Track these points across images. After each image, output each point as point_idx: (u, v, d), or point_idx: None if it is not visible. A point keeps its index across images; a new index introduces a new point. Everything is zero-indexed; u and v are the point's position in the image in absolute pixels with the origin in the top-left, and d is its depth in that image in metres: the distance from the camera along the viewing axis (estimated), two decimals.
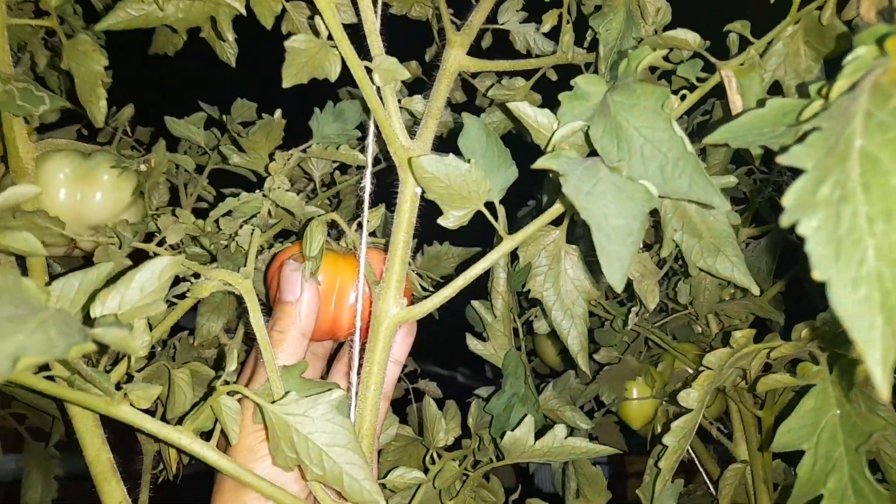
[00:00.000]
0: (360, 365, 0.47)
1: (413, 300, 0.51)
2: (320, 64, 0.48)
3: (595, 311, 0.74)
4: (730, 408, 0.76)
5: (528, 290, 0.53)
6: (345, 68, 0.47)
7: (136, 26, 0.52)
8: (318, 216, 0.49)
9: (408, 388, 0.74)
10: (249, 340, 0.63)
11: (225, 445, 0.44)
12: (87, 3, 0.62)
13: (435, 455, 0.58)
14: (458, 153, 0.46)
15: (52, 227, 0.46)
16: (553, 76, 0.69)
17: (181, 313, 0.51)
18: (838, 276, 0.20)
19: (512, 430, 0.52)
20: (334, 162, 0.64)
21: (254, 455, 0.44)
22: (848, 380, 0.45)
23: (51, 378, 0.39)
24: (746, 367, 0.54)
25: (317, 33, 0.47)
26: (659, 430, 0.72)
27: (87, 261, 0.58)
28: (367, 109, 0.56)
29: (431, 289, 0.58)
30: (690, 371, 0.73)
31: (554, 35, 0.66)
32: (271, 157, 0.56)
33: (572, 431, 0.66)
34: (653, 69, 0.67)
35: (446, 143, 0.53)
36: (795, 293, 0.78)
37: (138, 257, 0.46)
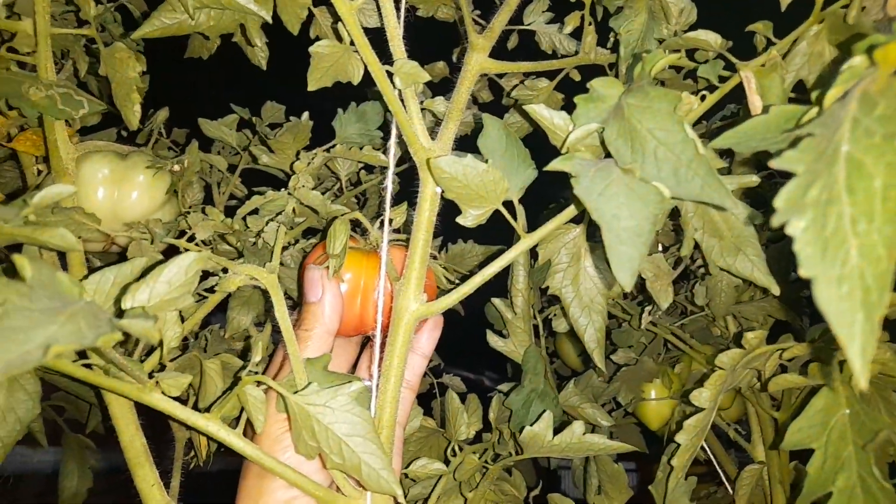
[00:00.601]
0: (381, 358, 0.49)
1: (439, 293, 0.52)
2: (343, 68, 0.50)
3: (613, 311, 0.75)
4: (748, 409, 0.76)
5: (548, 287, 0.54)
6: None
7: (171, 34, 0.55)
8: (342, 215, 0.50)
9: (433, 382, 0.75)
10: (278, 334, 0.65)
11: (252, 434, 0.46)
12: (127, 11, 0.65)
13: (456, 447, 0.59)
14: (480, 153, 0.47)
15: (88, 224, 0.49)
16: (577, 77, 0.70)
17: (211, 306, 0.54)
18: (823, 273, 0.21)
19: (531, 426, 0.53)
20: (360, 162, 0.65)
21: (278, 444, 0.46)
22: (854, 383, 0.45)
23: (88, 366, 0.42)
24: (760, 368, 0.54)
25: (340, 38, 0.49)
26: (674, 429, 0.72)
27: (123, 256, 0.60)
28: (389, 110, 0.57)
29: (458, 281, 0.59)
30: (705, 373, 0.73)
31: (579, 35, 0.66)
32: (298, 156, 0.58)
33: (593, 429, 0.67)
34: (678, 68, 0.67)
35: (471, 143, 0.54)
36: None
37: (173, 253, 0.48)
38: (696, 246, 0.52)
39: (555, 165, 0.40)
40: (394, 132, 0.53)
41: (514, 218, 0.47)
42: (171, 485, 0.54)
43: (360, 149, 0.57)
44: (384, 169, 0.70)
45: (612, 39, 0.65)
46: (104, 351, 0.37)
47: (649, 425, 0.79)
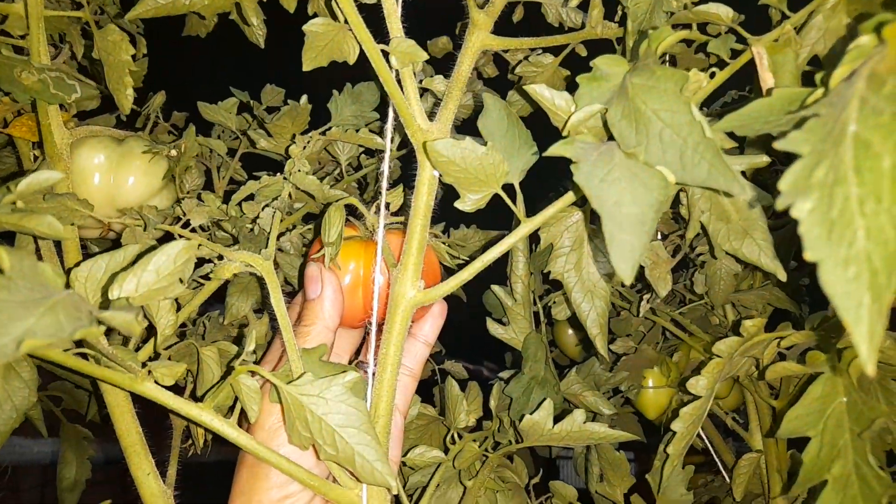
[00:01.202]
0: (378, 347, 0.48)
1: (445, 273, 0.51)
2: (339, 47, 0.48)
3: (612, 299, 0.73)
4: (745, 398, 0.75)
5: (549, 273, 0.53)
6: None
7: (165, 14, 0.53)
8: (336, 201, 0.49)
9: (434, 368, 0.75)
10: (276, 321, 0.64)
11: (247, 425, 0.46)
12: None
13: (456, 435, 0.59)
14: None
15: (81, 210, 0.48)
16: (583, 52, 0.67)
17: (207, 294, 0.53)
18: (830, 256, 0.20)
19: (531, 413, 0.52)
20: (360, 145, 0.64)
21: (274, 435, 0.45)
22: (855, 368, 0.44)
23: (84, 356, 0.41)
24: (758, 356, 0.53)
25: (335, 16, 0.47)
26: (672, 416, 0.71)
27: (119, 243, 0.60)
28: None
29: (466, 258, 0.58)
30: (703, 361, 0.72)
31: (586, 7, 0.64)
32: (294, 140, 0.57)
33: (594, 417, 0.66)
34: (689, 41, 0.65)
35: (474, 124, 0.52)
36: (818, 286, 0.75)
37: (169, 240, 0.48)
38: (697, 233, 0.51)
39: (555, 150, 0.38)
40: (391, 114, 0.52)
41: (515, 202, 0.46)
42: (168, 474, 0.53)
43: (357, 131, 0.56)
44: (383, 153, 0.68)
45: (619, 13, 0.63)
46: (91, 342, 0.37)
47: (647, 414, 0.78)
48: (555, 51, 0.66)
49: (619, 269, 0.32)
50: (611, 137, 0.40)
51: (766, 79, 0.44)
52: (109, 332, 0.36)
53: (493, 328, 0.63)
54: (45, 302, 0.29)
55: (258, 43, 0.62)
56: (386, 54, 0.46)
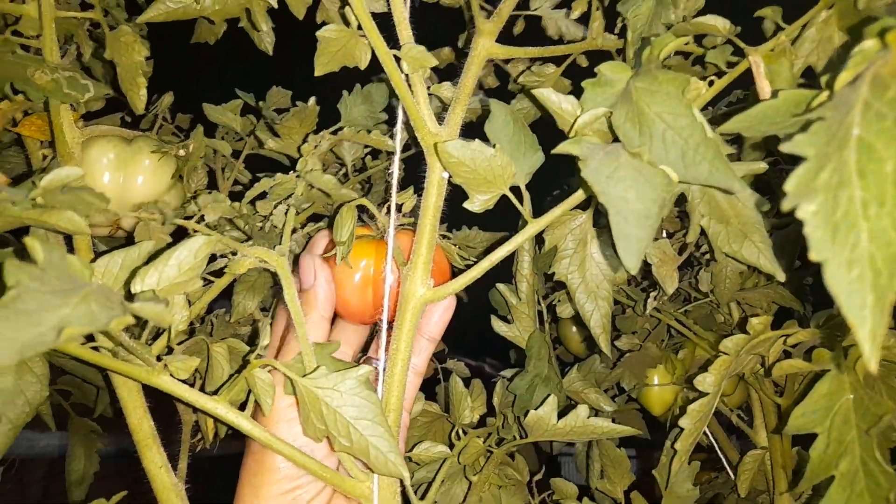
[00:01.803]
0: (388, 342, 0.49)
1: (454, 272, 0.53)
2: (351, 53, 0.49)
3: (617, 297, 0.75)
4: (750, 396, 0.76)
5: (553, 273, 0.54)
6: (376, 56, 0.48)
7: (176, 18, 0.55)
8: (349, 201, 0.50)
9: (437, 367, 0.76)
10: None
11: (259, 418, 0.47)
12: None
13: (460, 431, 0.60)
14: (487, 139, 0.47)
15: (97, 203, 0.49)
16: (584, 62, 0.69)
17: (219, 290, 0.54)
18: (834, 257, 0.21)
19: (534, 410, 0.53)
20: (366, 147, 0.65)
21: (284, 425, 0.46)
22: (861, 366, 0.45)
23: (97, 349, 0.42)
24: (764, 353, 0.54)
25: (347, 23, 0.49)
26: (677, 413, 0.72)
27: (129, 241, 0.60)
28: (396, 94, 0.57)
29: (474, 259, 0.59)
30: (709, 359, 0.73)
31: (586, 21, 0.66)
32: (304, 141, 0.58)
33: (596, 414, 0.67)
34: (686, 54, 0.67)
35: (477, 129, 0.54)
36: (822, 285, 0.77)
37: (180, 237, 0.49)
38: (702, 232, 0.52)
39: (563, 148, 0.40)
40: (400, 116, 0.53)
41: (521, 203, 0.47)
42: (179, 467, 0.54)
43: (368, 133, 0.57)
44: (390, 154, 0.70)
45: (619, 25, 0.64)
46: (114, 334, 0.38)
47: (652, 411, 0.79)
48: (556, 62, 0.68)
49: (626, 260, 0.33)
50: (615, 140, 0.41)
51: (764, 87, 0.46)
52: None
53: (498, 326, 0.64)
54: (77, 292, 0.30)
55: (266, 50, 0.63)
56: (397, 60, 0.47)
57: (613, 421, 0.55)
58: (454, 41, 0.80)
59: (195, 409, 0.59)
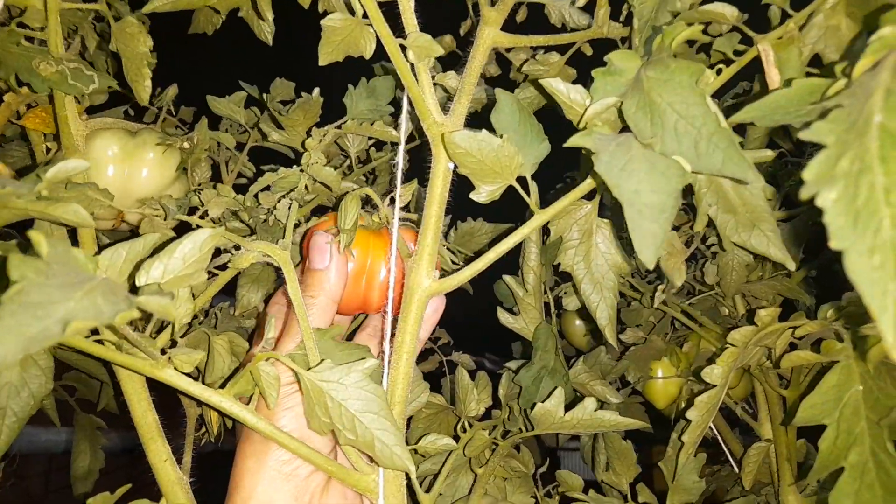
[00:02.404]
0: (392, 335, 0.49)
1: (443, 275, 0.52)
2: (355, 42, 0.49)
3: (622, 289, 0.74)
4: (755, 388, 0.76)
5: (559, 265, 0.54)
6: (379, 45, 0.48)
7: (181, 7, 0.54)
8: (353, 191, 0.50)
9: (441, 360, 0.75)
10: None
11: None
12: None
13: (466, 424, 0.60)
14: (491, 128, 0.46)
15: (101, 199, 0.49)
16: (588, 51, 0.68)
17: (222, 284, 0.53)
18: (855, 244, 0.21)
19: (541, 403, 0.53)
20: (370, 139, 0.65)
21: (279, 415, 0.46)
22: (872, 356, 0.45)
23: (101, 342, 0.42)
24: (771, 345, 0.54)
25: (352, 11, 0.48)
26: (683, 406, 0.72)
27: (133, 234, 0.60)
28: (400, 85, 0.56)
29: (462, 263, 0.59)
30: (716, 351, 0.72)
31: (590, 9, 0.65)
32: (308, 133, 0.58)
33: (602, 406, 0.67)
34: (691, 42, 0.66)
35: (481, 119, 0.53)
36: (826, 277, 0.77)
37: (182, 232, 0.48)
38: (708, 223, 0.52)
39: (575, 141, 0.39)
40: (405, 107, 0.52)
41: (528, 193, 0.47)
42: (183, 461, 0.54)
43: (372, 124, 0.57)
44: (394, 146, 0.69)
45: (624, 12, 0.64)
46: (119, 327, 0.37)
47: (656, 404, 0.79)
48: (560, 50, 0.67)
49: (643, 256, 0.33)
50: (625, 130, 0.41)
51: (773, 75, 0.45)
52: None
53: (504, 318, 0.63)
54: (82, 286, 0.30)
55: (266, 40, 0.63)
56: (403, 49, 0.46)
57: (620, 414, 0.55)
58: (455, 29, 0.79)
59: (199, 403, 0.59)
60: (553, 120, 0.51)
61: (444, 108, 0.51)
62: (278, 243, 0.47)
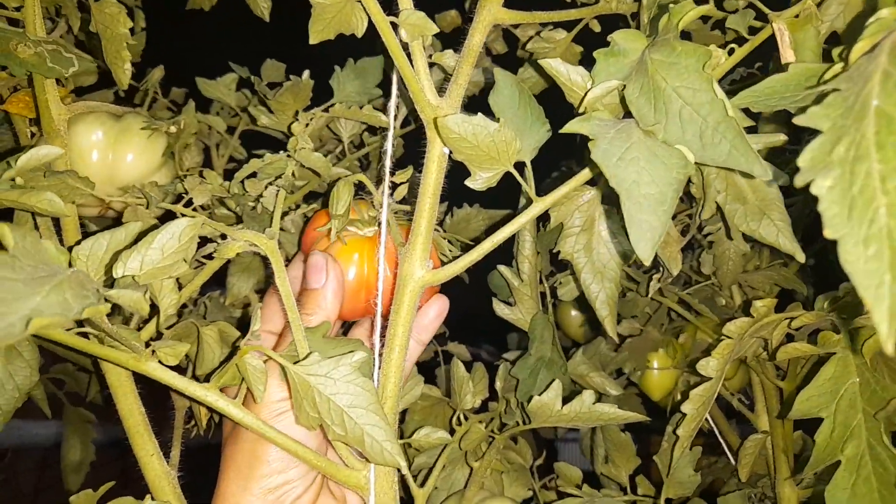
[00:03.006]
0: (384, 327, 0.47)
1: (441, 264, 0.50)
2: (347, 19, 0.47)
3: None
4: (752, 379, 0.75)
5: (558, 253, 0.52)
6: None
7: None
8: (345, 177, 0.48)
9: (437, 350, 0.74)
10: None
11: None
12: None
13: (462, 417, 0.58)
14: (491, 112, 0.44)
15: (81, 188, 0.47)
16: (597, 27, 0.66)
17: (209, 274, 0.52)
18: (850, 233, 0.20)
19: (538, 395, 0.51)
20: (363, 123, 0.63)
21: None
22: (868, 348, 0.44)
23: (85, 335, 0.40)
24: (768, 337, 0.52)
25: None
26: (679, 398, 0.71)
27: (119, 221, 0.58)
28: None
29: (460, 252, 0.57)
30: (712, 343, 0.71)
31: None
32: (297, 117, 0.56)
33: (601, 397, 0.66)
34: (706, 18, 0.63)
35: (484, 101, 0.51)
36: (822, 267, 0.75)
37: (170, 219, 0.47)
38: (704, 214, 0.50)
39: (571, 128, 0.37)
40: (394, 91, 0.50)
41: (526, 181, 0.45)
42: (172, 455, 0.53)
43: (360, 108, 0.55)
44: (385, 130, 0.67)
45: None
46: (96, 321, 0.36)
47: (652, 396, 0.78)
48: (567, 27, 0.65)
49: (639, 249, 0.31)
50: (627, 114, 0.39)
51: (788, 56, 0.43)
52: (111, 312, 0.35)
53: (500, 309, 0.62)
54: (50, 280, 0.28)
55: (262, 16, 0.61)
56: (395, 27, 0.44)
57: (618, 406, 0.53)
58: (461, 3, 0.76)
59: (187, 396, 0.58)
60: (560, 101, 0.49)
61: (443, 90, 0.49)
62: (265, 232, 0.45)
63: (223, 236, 0.45)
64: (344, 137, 0.62)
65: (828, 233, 0.21)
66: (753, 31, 0.44)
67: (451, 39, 0.62)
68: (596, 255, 0.51)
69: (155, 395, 0.52)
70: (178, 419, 0.57)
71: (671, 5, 0.37)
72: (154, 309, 0.42)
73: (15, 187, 0.39)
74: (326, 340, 0.44)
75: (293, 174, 0.51)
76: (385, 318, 0.48)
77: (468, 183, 0.45)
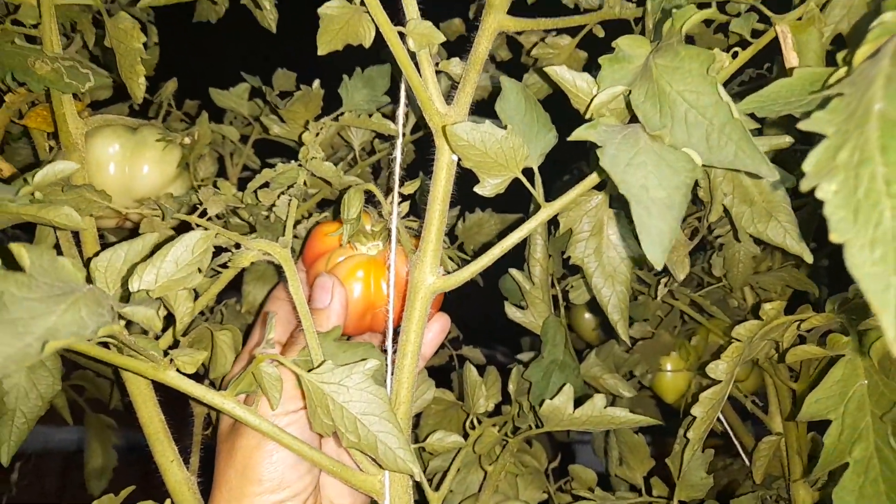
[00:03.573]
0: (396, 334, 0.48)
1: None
2: (354, 30, 0.47)
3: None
4: (765, 381, 0.74)
5: (569, 257, 0.52)
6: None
7: (177, 0, 0.53)
8: (356, 185, 0.49)
9: (451, 354, 0.74)
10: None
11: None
12: None
13: (475, 420, 0.59)
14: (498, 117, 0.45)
15: (99, 201, 0.48)
16: (600, 33, 0.66)
17: (225, 282, 0.53)
18: (856, 237, 0.20)
19: (551, 398, 0.51)
20: (373, 130, 0.63)
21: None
22: (877, 351, 0.44)
23: (106, 345, 0.41)
24: (778, 339, 0.52)
25: None
26: (690, 401, 0.70)
27: (136, 232, 0.60)
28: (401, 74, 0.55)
29: (459, 264, 0.58)
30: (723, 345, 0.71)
31: None
32: (307, 126, 0.57)
33: (614, 399, 0.66)
34: (709, 22, 0.63)
35: (490, 106, 0.51)
36: (836, 267, 0.75)
37: (186, 229, 0.48)
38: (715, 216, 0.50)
39: (579, 135, 0.38)
40: (402, 99, 0.51)
41: (534, 186, 0.45)
42: (191, 461, 0.54)
43: (370, 116, 0.55)
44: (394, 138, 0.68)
45: None
46: (114, 334, 0.37)
47: (665, 398, 0.78)
48: (571, 32, 0.65)
49: (651, 255, 0.31)
50: (633, 119, 0.39)
51: (791, 58, 0.43)
52: (130, 321, 0.36)
53: (512, 312, 0.62)
54: (66, 298, 0.29)
55: (270, 28, 0.62)
56: (403, 36, 0.45)
57: (631, 408, 0.53)
58: (465, 11, 0.77)
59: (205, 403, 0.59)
60: (565, 107, 0.49)
61: (450, 98, 0.49)
62: (279, 240, 0.46)
63: (237, 245, 0.46)
64: (355, 145, 0.63)
65: (834, 237, 0.21)
66: (757, 34, 0.44)
67: (456, 47, 0.63)
68: (606, 259, 0.51)
69: (174, 403, 0.53)
70: (196, 425, 0.58)
71: (674, 10, 0.37)
72: (171, 317, 0.43)
73: (34, 202, 0.40)
74: (339, 344, 0.45)
75: (305, 183, 0.52)
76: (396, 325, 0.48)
77: (477, 189, 0.45)
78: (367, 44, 0.49)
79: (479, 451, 0.57)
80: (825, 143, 0.22)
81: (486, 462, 0.59)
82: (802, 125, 0.24)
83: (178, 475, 0.49)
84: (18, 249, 0.28)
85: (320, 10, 0.46)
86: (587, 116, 0.41)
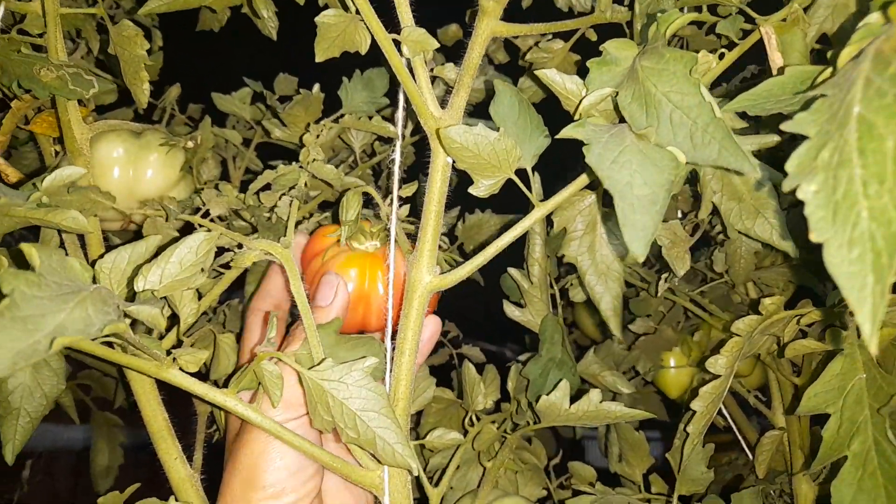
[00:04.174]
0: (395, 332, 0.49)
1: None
2: (351, 38, 0.49)
3: (630, 279, 0.74)
4: (768, 376, 0.75)
5: (564, 256, 0.53)
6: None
7: (177, 8, 0.54)
8: (355, 188, 0.50)
9: (452, 353, 0.75)
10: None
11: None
12: None
13: (474, 417, 0.60)
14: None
15: (104, 202, 0.49)
16: (593, 36, 0.67)
17: (228, 283, 0.54)
18: (834, 237, 0.21)
19: (546, 395, 0.52)
20: (373, 132, 0.64)
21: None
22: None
23: (110, 344, 0.42)
24: (778, 333, 0.53)
25: (346, 7, 0.48)
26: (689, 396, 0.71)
27: (140, 234, 0.61)
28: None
29: (453, 265, 0.59)
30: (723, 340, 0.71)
31: None
32: (307, 129, 0.58)
33: (614, 396, 0.67)
34: (699, 24, 0.64)
35: (485, 110, 0.52)
36: None
37: (189, 230, 0.49)
38: (715, 211, 0.51)
39: (567, 133, 0.39)
40: (401, 103, 0.52)
41: (528, 187, 0.47)
42: (195, 458, 0.55)
43: (370, 119, 0.57)
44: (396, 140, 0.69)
45: None
46: (119, 332, 0.38)
47: (669, 394, 0.78)
48: (565, 36, 0.66)
49: (633, 248, 0.32)
50: (622, 120, 0.40)
51: (776, 59, 0.44)
52: (135, 320, 0.37)
53: (511, 311, 0.63)
54: (74, 297, 0.30)
55: (271, 35, 0.63)
56: (397, 43, 0.46)
57: (633, 404, 0.54)
58: (461, 16, 0.78)
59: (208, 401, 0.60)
60: (563, 109, 0.50)
61: (445, 102, 0.50)
62: (280, 241, 0.47)
63: (240, 246, 0.47)
64: (356, 147, 0.64)
65: (813, 236, 0.22)
66: (747, 34, 0.45)
67: (453, 52, 0.64)
68: (599, 257, 0.52)
69: (177, 401, 0.55)
70: (200, 424, 0.59)
71: (658, 14, 0.38)
72: (175, 317, 0.44)
73: (42, 206, 0.41)
74: (339, 338, 0.46)
75: (306, 185, 0.53)
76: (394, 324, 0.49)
77: (471, 190, 0.46)
78: (364, 51, 0.50)
79: (478, 448, 0.58)
80: (807, 143, 0.23)
81: (485, 458, 0.60)
82: (786, 126, 0.25)
83: (181, 472, 0.50)
84: (29, 249, 0.29)
85: (318, 19, 0.48)
86: (576, 118, 0.42)
